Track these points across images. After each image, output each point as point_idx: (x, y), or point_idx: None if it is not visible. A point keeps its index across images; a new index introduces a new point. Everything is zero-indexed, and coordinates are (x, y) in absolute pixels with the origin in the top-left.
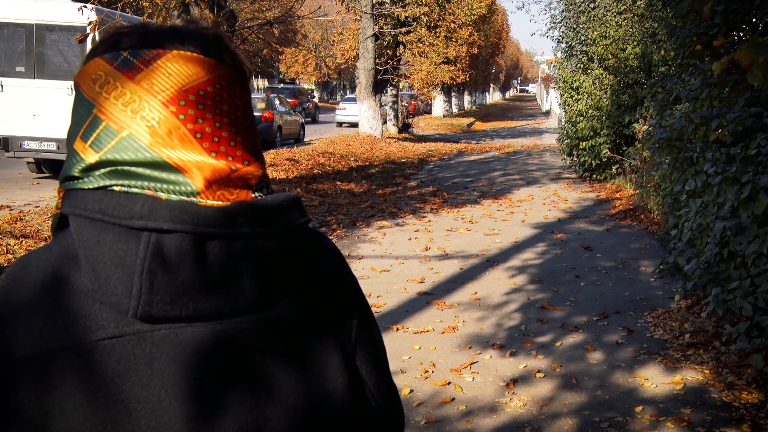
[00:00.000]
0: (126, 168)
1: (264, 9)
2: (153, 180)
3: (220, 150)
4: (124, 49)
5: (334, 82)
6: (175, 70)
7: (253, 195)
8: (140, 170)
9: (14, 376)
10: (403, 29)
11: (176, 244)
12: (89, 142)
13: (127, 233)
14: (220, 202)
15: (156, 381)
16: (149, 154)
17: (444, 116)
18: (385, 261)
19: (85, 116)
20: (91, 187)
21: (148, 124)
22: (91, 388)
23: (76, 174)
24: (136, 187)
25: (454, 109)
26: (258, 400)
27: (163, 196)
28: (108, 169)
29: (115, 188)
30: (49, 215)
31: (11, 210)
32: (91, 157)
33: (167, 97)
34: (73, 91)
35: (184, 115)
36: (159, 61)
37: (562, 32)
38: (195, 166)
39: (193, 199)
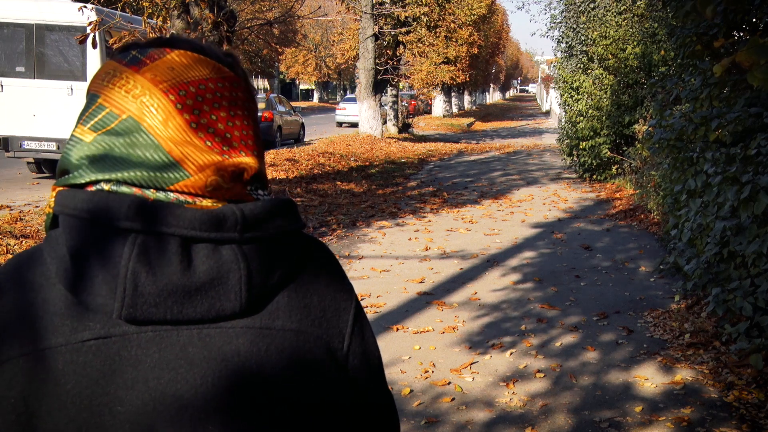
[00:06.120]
0: (117, 153)
1: (264, 9)
2: (144, 167)
3: (215, 140)
4: (134, 49)
5: (335, 82)
6: (180, 63)
7: (247, 190)
8: (132, 153)
9: (2, 376)
10: (403, 29)
11: (162, 247)
12: (89, 125)
13: (114, 234)
14: (210, 203)
15: (140, 384)
16: (146, 137)
17: (444, 116)
18: (385, 261)
19: (89, 106)
20: (82, 181)
21: (147, 109)
22: (75, 389)
23: (73, 160)
24: (125, 183)
25: (454, 109)
26: (245, 406)
27: (151, 196)
28: (100, 149)
29: (105, 186)
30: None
31: (11, 210)
32: (88, 136)
33: (168, 86)
34: (85, 98)
35: (182, 105)
36: (165, 57)
37: (562, 32)
38: (187, 154)
39: (180, 198)
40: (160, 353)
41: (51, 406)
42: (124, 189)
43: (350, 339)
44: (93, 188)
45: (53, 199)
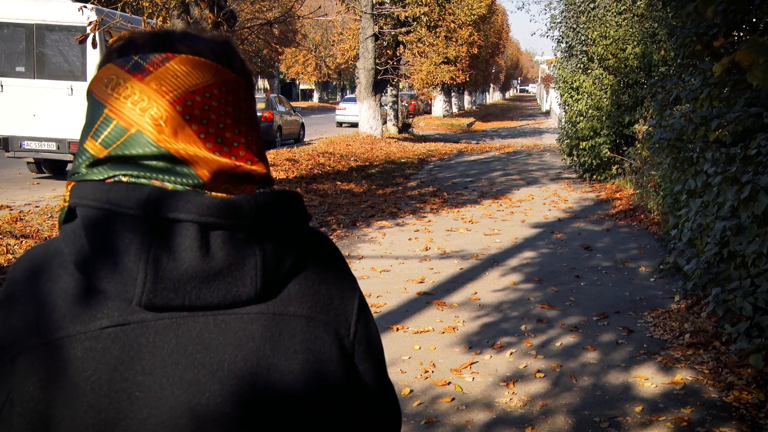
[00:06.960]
0: (134, 161)
1: (264, 9)
2: (160, 171)
3: (224, 150)
4: (135, 53)
5: (334, 82)
6: (183, 71)
7: (257, 190)
8: (148, 162)
9: (21, 365)
10: (403, 29)
11: (181, 233)
12: (99, 140)
13: (134, 222)
14: (224, 195)
15: (158, 370)
16: (156, 149)
17: (444, 116)
18: (385, 261)
19: (97, 117)
20: (100, 177)
21: (156, 122)
22: (95, 376)
23: (84, 170)
24: (143, 177)
25: (454, 109)
26: (258, 390)
27: (170, 186)
28: (113, 159)
29: (123, 178)
30: (49, 215)
31: (11, 210)
32: (100, 153)
33: (174, 97)
34: (87, 99)
35: (189, 115)
36: (168, 63)
37: (562, 32)
38: (201, 160)
39: (198, 190)
40: (177, 339)
41: (69, 393)
42: (143, 180)
43: (356, 327)
44: (111, 181)
45: (68, 194)
